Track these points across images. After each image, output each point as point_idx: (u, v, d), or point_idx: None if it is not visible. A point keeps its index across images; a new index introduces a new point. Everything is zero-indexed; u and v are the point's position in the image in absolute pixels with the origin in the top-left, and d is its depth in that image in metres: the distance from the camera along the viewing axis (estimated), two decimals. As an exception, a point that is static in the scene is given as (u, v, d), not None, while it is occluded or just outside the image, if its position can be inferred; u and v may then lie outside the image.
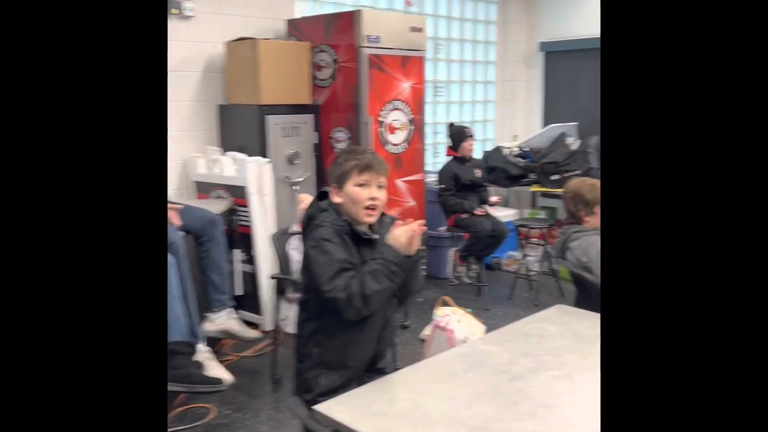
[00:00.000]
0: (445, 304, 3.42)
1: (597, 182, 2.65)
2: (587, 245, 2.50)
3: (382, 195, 1.69)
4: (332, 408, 1.43)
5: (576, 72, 5.84)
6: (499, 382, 1.54)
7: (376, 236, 1.70)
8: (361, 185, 1.67)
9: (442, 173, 4.41)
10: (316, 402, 1.50)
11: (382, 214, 1.75)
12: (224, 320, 3.09)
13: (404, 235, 1.59)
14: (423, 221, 1.62)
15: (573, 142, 5.36)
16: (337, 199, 1.70)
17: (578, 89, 5.84)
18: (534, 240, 4.96)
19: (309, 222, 1.70)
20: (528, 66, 6.21)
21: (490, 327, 3.63)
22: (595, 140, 4.45)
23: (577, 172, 4.64)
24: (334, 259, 1.59)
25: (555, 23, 5.90)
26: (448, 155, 4.53)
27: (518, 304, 4.31)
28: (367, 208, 1.67)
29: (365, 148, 1.76)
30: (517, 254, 5.03)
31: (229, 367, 3.22)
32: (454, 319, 3.17)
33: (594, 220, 2.59)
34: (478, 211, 4.27)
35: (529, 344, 1.79)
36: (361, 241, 1.68)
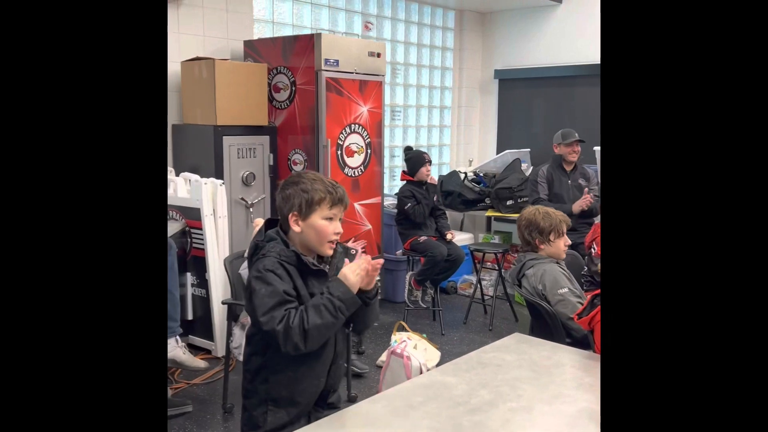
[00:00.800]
0: (402, 328, 3.40)
1: (551, 210, 2.70)
2: (542, 273, 2.53)
3: (341, 228, 1.66)
4: (287, 444, 1.39)
5: (529, 100, 5.98)
6: (457, 415, 1.53)
7: (326, 267, 1.65)
8: (329, 219, 1.62)
9: (402, 192, 4.40)
10: (265, 440, 1.45)
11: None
12: (170, 349, 2.99)
13: (354, 272, 1.53)
14: (381, 260, 1.58)
15: (526, 169, 5.46)
16: (296, 228, 1.62)
17: (531, 117, 5.98)
18: (489, 264, 5.00)
19: (255, 251, 1.63)
20: (483, 92, 6.33)
21: (446, 352, 3.63)
22: (543, 169, 4.54)
23: (527, 199, 4.73)
24: (275, 291, 1.52)
25: (509, 52, 6.05)
26: (402, 179, 4.52)
27: (473, 328, 4.33)
28: (329, 241, 1.63)
29: (332, 180, 1.70)
30: (472, 278, 5.06)
31: (179, 395, 3.12)
32: (410, 344, 3.15)
33: (549, 248, 2.62)
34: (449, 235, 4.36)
35: (487, 374, 1.79)
36: (310, 272, 1.61)
